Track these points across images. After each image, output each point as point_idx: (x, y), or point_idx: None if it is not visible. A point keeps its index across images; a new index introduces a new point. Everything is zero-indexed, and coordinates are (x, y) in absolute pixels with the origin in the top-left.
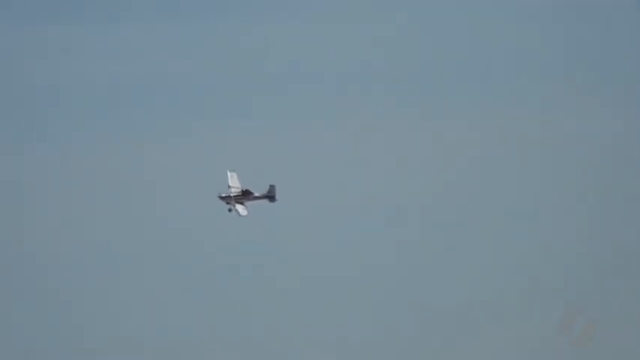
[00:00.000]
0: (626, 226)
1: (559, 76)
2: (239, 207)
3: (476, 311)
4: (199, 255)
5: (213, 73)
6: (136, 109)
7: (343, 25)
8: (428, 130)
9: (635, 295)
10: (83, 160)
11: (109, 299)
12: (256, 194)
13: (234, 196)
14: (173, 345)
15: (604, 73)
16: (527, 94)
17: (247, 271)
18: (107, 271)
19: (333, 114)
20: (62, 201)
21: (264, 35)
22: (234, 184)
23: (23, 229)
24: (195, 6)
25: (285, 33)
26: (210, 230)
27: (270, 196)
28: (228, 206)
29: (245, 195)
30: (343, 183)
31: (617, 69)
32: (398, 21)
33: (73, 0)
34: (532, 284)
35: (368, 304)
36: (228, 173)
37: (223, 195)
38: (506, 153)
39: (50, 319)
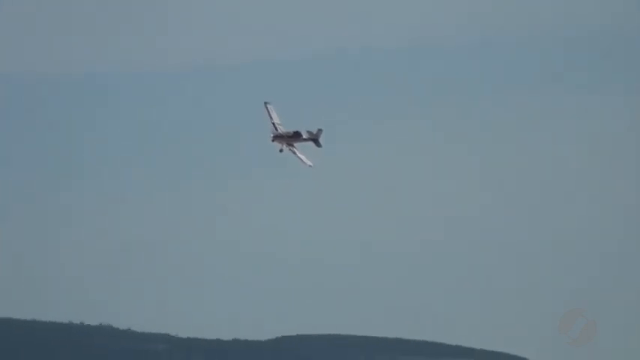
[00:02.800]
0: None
1: None
2: (301, 155)
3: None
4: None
5: None
6: None
7: None
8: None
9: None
10: None
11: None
12: (304, 136)
13: (286, 136)
14: None
15: None
16: None
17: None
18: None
19: None
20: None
21: None
22: (276, 119)
23: None
24: None
25: None
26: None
27: (317, 140)
28: (279, 146)
29: (295, 137)
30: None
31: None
32: None
33: None
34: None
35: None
36: (267, 106)
37: (276, 135)
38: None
39: None
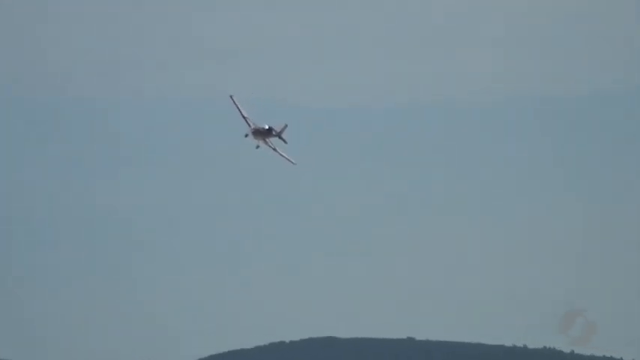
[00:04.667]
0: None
1: None
2: (284, 153)
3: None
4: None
5: None
6: None
7: None
8: None
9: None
10: None
11: None
12: (273, 132)
13: (262, 131)
14: None
15: None
16: None
17: None
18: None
19: None
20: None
21: None
22: (244, 112)
23: None
24: None
25: None
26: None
27: (281, 136)
28: (256, 142)
29: (268, 133)
30: None
31: None
32: None
33: None
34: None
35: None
36: (233, 99)
37: (255, 130)
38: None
39: None
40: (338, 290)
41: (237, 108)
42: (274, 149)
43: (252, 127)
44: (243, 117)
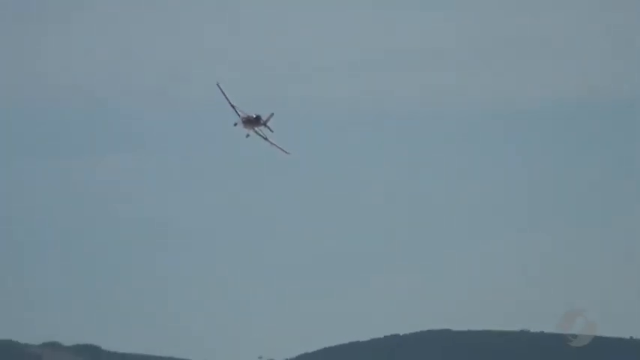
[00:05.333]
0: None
1: None
2: (276, 142)
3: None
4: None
5: None
6: None
7: None
8: None
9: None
10: None
11: None
12: (262, 121)
13: (252, 120)
14: None
15: None
16: None
17: None
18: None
19: None
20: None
21: None
22: (231, 100)
23: None
24: None
25: None
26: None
27: (267, 124)
28: (246, 131)
29: (257, 121)
30: None
31: None
32: None
33: None
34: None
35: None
36: (220, 86)
37: (245, 119)
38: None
39: None
40: (453, 283)
41: (225, 96)
42: (265, 138)
43: (242, 115)
44: (232, 105)
